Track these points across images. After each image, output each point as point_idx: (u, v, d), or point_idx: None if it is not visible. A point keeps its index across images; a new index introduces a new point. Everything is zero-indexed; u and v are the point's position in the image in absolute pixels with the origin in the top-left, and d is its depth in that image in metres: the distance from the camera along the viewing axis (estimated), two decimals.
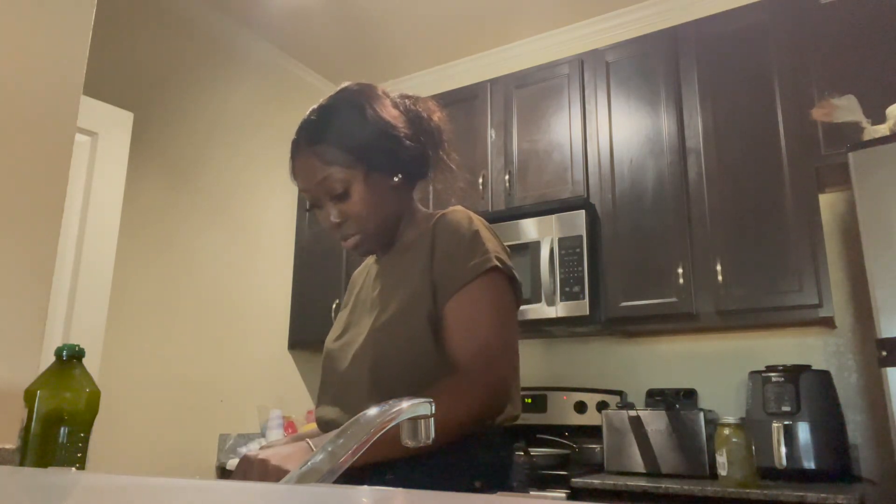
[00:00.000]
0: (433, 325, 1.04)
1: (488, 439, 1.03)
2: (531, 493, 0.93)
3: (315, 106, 1.16)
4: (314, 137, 1.11)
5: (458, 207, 1.15)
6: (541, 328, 2.65)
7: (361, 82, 1.19)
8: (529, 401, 2.78)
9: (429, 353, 1.03)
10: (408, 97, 1.19)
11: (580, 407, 2.68)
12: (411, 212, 1.19)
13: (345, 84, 1.19)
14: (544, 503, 0.43)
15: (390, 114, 1.13)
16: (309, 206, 1.17)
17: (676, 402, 2.34)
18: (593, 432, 2.57)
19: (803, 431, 2.08)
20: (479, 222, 1.12)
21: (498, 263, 1.05)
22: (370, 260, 1.29)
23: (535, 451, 2.46)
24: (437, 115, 1.19)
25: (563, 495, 2.10)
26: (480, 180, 2.92)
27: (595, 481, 2.13)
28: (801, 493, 1.82)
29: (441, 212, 1.15)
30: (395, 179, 1.13)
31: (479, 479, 1.01)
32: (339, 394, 1.11)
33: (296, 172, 1.15)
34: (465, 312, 1.03)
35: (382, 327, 1.07)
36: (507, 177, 2.87)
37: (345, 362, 1.12)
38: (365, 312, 1.16)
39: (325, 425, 1.11)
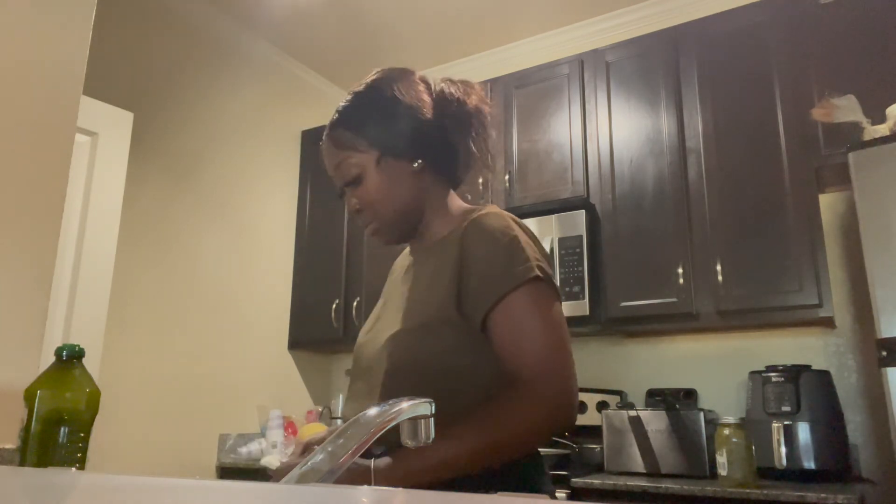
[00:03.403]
0: (458, 334, 1.00)
1: (518, 469, 0.97)
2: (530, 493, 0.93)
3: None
4: (335, 122, 1.10)
5: (493, 209, 1.08)
6: None
7: (398, 67, 1.15)
8: None
9: (448, 364, 0.99)
10: (449, 81, 1.14)
11: (580, 407, 2.68)
12: (441, 203, 1.13)
13: (380, 68, 1.15)
14: (544, 503, 0.43)
15: (416, 97, 1.09)
16: (339, 194, 1.14)
17: (676, 402, 2.34)
18: (593, 432, 2.57)
19: (803, 431, 2.08)
20: (516, 226, 1.05)
21: (539, 273, 0.98)
22: (407, 249, 1.23)
23: None
24: (475, 99, 1.12)
25: (564, 495, 2.11)
26: (480, 180, 2.92)
27: (595, 481, 2.13)
28: (801, 493, 1.81)
29: (474, 212, 1.08)
30: (415, 165, 1.08)
31: None
32: (363, 390, 1.08)
33: (322, 158, 1.13)
34: (516, 322, 0.96)
35: (401, 336, 1.02)
36: (507, 177, 2.87)
37: (369, 360, 1.08)
38: (392, 308, 1.11)
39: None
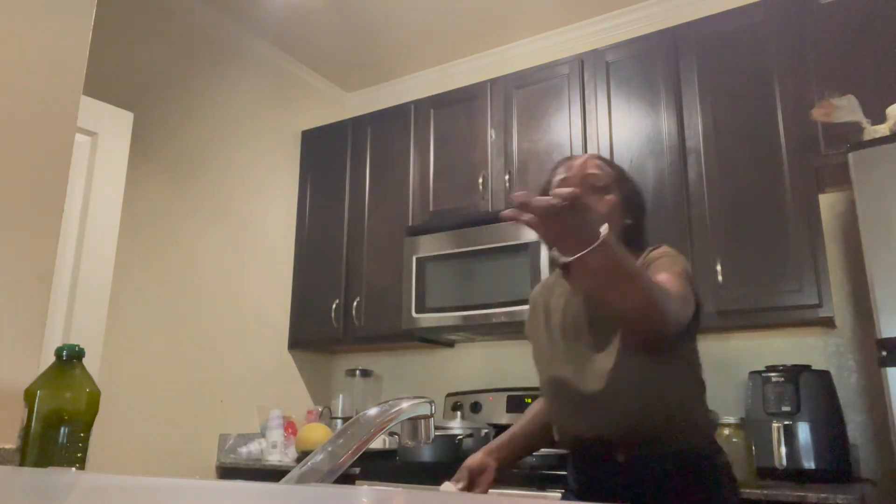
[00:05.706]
0: None
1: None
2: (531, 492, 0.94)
3: None
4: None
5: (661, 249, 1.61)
6: None
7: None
8: (529, 401, 2.77)
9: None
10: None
11: None
12: None
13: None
14: (544, 503, 0.43)
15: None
16: None
17: None
18: None
19: (803, 431, 2.08)
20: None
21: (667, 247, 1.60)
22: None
23: None
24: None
25: (560, 495, 2.10)
26: (480, 180, 2.92)
27: None
28: (801, 493, 1.81)
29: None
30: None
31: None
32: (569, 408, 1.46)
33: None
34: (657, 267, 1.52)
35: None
36: (507, 177, 2.87)
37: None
38: None
39: (573, 441, 1.45)
